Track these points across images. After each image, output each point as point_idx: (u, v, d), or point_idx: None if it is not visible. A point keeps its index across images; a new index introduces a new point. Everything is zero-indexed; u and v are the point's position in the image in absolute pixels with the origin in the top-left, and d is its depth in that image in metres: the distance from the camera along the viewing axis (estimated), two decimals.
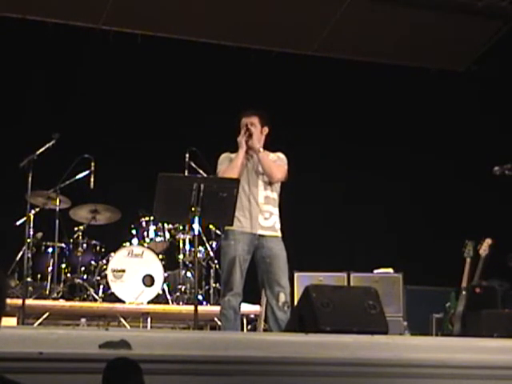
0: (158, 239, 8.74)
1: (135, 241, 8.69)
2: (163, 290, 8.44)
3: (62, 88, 9.41)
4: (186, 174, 8.29)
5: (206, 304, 8.51)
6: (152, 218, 8.60)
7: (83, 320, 8.04)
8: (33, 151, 7.56)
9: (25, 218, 7.88)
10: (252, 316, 8.33)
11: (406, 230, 10.05)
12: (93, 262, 8.58)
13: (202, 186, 5.92)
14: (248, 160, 6.44)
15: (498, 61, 10.26)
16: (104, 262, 8.52)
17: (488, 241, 7.56)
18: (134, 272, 8.31)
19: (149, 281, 8.32)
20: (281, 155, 6.55)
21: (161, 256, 8.57)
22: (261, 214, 6.31)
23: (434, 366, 4.76)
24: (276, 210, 6.42)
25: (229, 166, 6.37)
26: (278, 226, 6.39)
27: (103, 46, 9.52)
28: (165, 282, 8.44)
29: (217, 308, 7.49)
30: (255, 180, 6.38)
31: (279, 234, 6.39)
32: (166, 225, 8.73)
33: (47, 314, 7.90)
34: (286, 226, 6.48)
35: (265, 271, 6.27)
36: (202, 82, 9.73)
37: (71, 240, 8.61)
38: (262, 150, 6.42)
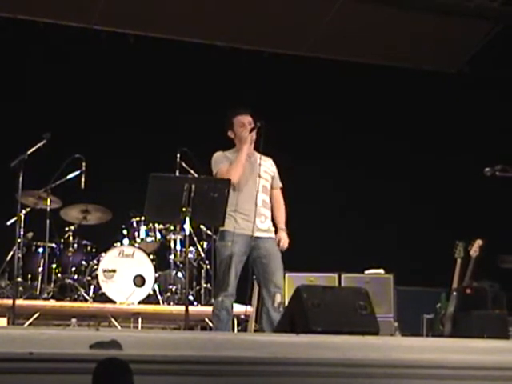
0: (149, 239, 8.74)
1: (126, 241, 8.67)
2: (154, 291, 8.43)
3: (54, 88, 9.37)
4: (177, 174, 8.27)
5: (197, 304, 8.49)
6: (143, 218, 8.58)
7: (74, 320, 8.01)
8: (24, 151, 7.53)
9: (15, 218, 7.84)
10: (242, 316, 8.32)
11: (397, 231, 10.06)
12: (83, 262, 8.56)
13: (193, 186, 5.90)
14: (247, 161, 6.35)
15: (490, 61, 10.28)
16: (95, 262, 8.50)
17: (479, 242, 7.58)
18: (124, 272, 8.30)
19: (140, 281, 8.31)
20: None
21: (152, 256, 8.56)
22: (258, 217, 6.24)
23: (425, 366, 4.77)
24: (270, 214, 6.37)
25: (234, 162, 6.27)
26: (272, 228, 6.35)
27: (95, 46, 9.51)
28: (156, 282, 8.42)
29: (207, 308, 7.48)
30: (254, 183, 6.30)
31: (274, 235, 6.34)
32: (156, 225, 8.72)
33: (38, 314, 7.87)
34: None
35: (261, 272, 6.23)
36: (194, 82, 9.73)
37: (62, 240, 8.58)
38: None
